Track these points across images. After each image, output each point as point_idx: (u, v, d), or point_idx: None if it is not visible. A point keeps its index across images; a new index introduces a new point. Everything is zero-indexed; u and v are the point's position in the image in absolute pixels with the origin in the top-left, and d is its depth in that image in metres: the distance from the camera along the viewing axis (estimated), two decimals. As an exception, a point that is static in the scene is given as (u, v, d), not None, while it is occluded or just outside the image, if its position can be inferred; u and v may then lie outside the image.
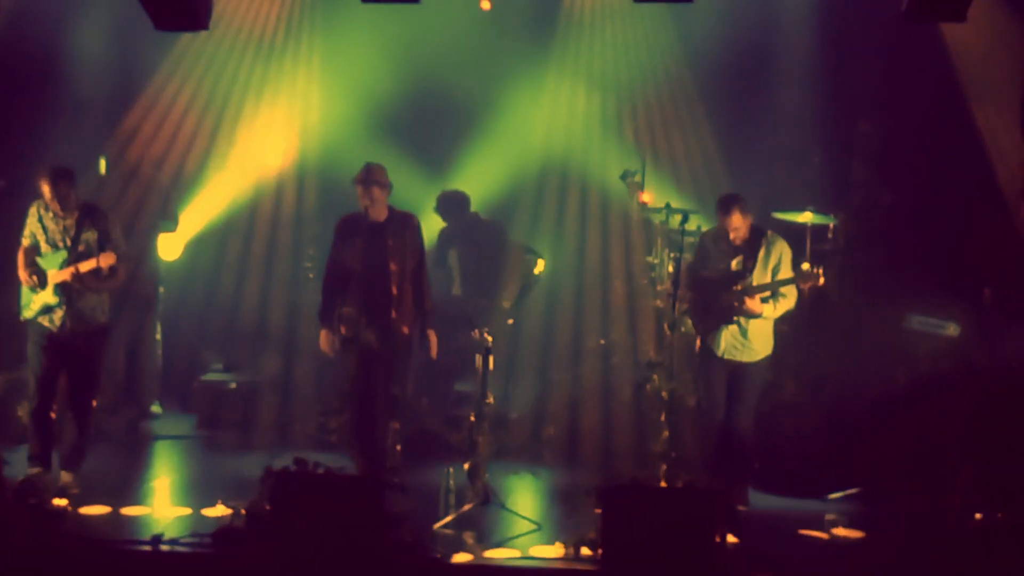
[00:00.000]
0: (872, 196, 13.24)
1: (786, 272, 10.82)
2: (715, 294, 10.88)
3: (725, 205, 10.83)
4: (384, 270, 10.85)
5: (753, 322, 10.80)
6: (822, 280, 10.75)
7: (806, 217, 12.58)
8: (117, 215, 12.55)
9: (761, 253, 10.83)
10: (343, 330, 10.80)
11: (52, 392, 10.84)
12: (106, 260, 10.63)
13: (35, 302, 10.72)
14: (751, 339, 10.84)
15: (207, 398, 13.65)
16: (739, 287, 10.76)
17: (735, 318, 10.78)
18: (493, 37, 14.92)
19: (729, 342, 10.85)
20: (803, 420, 11.71)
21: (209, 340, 14.75)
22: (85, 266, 10.63)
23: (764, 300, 10.77)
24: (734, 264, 10.86)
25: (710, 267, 10.98)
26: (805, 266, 11.33)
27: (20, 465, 10.64)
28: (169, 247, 13.90)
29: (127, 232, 12.94)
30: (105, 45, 14.08)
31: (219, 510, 9.81)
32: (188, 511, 10.27)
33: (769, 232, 11.03)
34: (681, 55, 14.36)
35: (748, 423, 10.89)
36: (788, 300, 10.85)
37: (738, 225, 10.80)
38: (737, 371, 10.87)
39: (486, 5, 14.60)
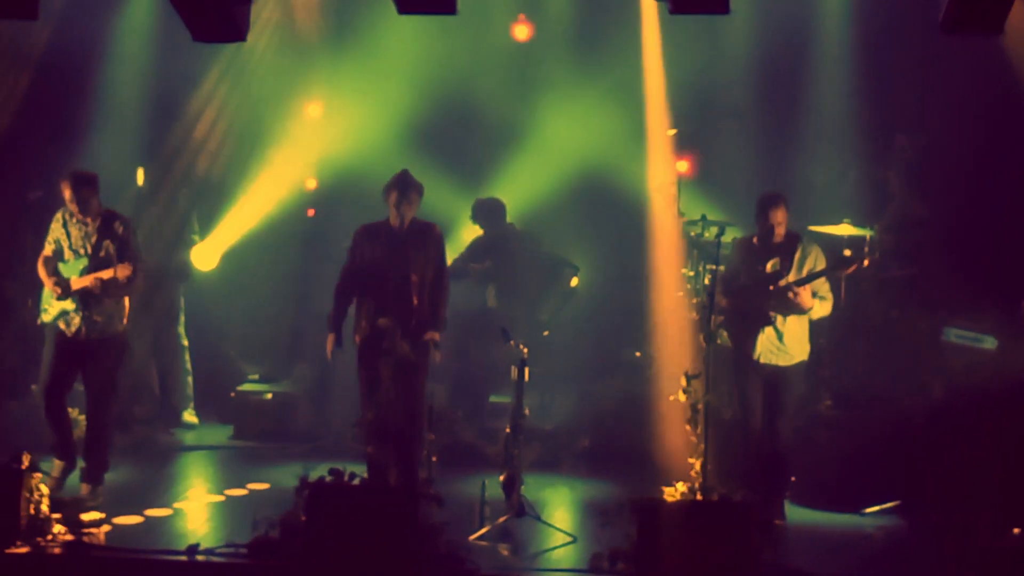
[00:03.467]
0: (908, 209, 13.19)
1: (821, 280, 10.81)
2: (752, 298, 10.84)
3: (768, 201, 10.82)
4: (405, 280, 10.75)
5: (788, 325, 10.77)
6: (867, 262, 10.77)
7: (843, 229, 12.55)
8: (149, 224, 12.68)
9: (797, 256, 10.82)
10: (383, 342, 10.67)
11: (61, 391, 10.82)
12: (122, 271, 10.64)
13: (54, 307, 10.75)
14: (787, 343, 10.82)
15: (243, 408, 13.69)
16: (773, 288, 10.72)
17: (772, 316, 10.75)
18: (529, 48, 14.94)
19: (765, 346, 10.83)
20: (839, 433, 11.65)
21: (245, 350, 14.79)
22: (104, 275, 10.66)
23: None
24: (770, 266, 10.84)
25: (745, 272, 10.96)
26: (847, 252, 11.32)
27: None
28: (205, 257, 13.93)
29: (159, 241, 13.07)
30: (143, 56, 14.17)
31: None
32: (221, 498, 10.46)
33: (805, 237, 11.03)
34: (717, 68, 14.34)
35: (787, 435, 10.86)
36: (827, 304, 10.87)
37: (781, 220, 10.78)
38: (774, 378, 10.84)
39: (521, 35, 14.71)
